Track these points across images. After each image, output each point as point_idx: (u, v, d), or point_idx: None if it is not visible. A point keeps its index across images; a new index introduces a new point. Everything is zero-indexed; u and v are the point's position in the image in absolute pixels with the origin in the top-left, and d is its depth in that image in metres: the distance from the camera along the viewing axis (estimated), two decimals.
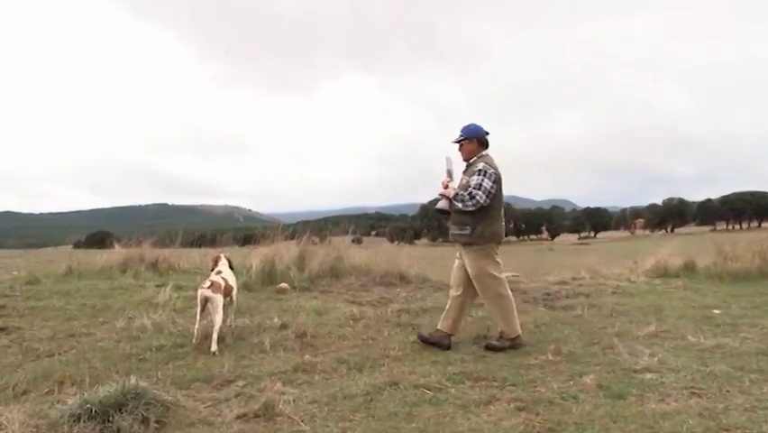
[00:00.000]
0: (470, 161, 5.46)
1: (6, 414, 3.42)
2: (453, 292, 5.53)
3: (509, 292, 5.42)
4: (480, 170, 5.27)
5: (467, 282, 5.44)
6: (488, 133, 5.51)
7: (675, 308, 7.04)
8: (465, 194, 5.25)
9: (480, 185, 5.22)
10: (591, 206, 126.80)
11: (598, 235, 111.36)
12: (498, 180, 5.27)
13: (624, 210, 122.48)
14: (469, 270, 5.39)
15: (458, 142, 5.53)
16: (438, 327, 5.47)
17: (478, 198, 5.21)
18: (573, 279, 9.77)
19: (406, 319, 6.56)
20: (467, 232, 5.34)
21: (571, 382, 4.20)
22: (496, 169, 5.30)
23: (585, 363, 4.68)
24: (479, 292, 5.42)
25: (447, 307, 5.55)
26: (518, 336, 5.34)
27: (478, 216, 5.30)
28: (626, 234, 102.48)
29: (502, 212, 5.45)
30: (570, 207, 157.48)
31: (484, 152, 5.45)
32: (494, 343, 5.32)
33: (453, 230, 5.47)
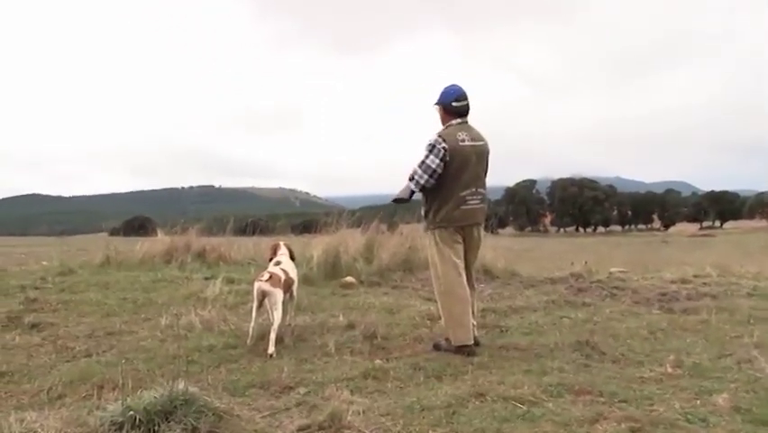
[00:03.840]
0: None
1: (41, 421, 3.55)
2: None
3: (460, 291, 5.31)
4: (427, 144, 5.24)
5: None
6: (459, 99, 5.35)
7: None
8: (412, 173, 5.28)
9: (423, 162, 5.20)
10: (716, 189, 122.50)
11: (725, 225, 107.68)
12: (452, 155, 5.16)
13: (761, 194, 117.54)
14: None
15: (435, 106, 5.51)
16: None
17: (417, 177, 5.22)
18: (696, 276, 9.55)
19: (492, 320, 6.56)
20: (423, 215, 5.44)
21: (698, 402, 4.07)
22: (453, 141, 5.19)
23: (715, 379, 4.55)
24: None
25: None
26: (465, 347, 5.23)
27: (429, 197, 5.33)
28: (762, 223, 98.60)
29: (464, 193, 5.24)
30: (688, 191, 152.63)
31: (455, 121, 5.35)
32: (439, 341, 5.43)
33: None
